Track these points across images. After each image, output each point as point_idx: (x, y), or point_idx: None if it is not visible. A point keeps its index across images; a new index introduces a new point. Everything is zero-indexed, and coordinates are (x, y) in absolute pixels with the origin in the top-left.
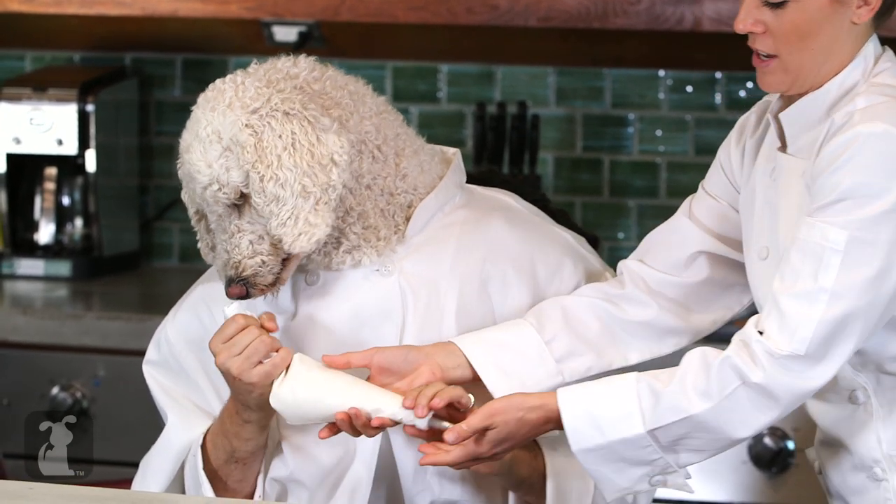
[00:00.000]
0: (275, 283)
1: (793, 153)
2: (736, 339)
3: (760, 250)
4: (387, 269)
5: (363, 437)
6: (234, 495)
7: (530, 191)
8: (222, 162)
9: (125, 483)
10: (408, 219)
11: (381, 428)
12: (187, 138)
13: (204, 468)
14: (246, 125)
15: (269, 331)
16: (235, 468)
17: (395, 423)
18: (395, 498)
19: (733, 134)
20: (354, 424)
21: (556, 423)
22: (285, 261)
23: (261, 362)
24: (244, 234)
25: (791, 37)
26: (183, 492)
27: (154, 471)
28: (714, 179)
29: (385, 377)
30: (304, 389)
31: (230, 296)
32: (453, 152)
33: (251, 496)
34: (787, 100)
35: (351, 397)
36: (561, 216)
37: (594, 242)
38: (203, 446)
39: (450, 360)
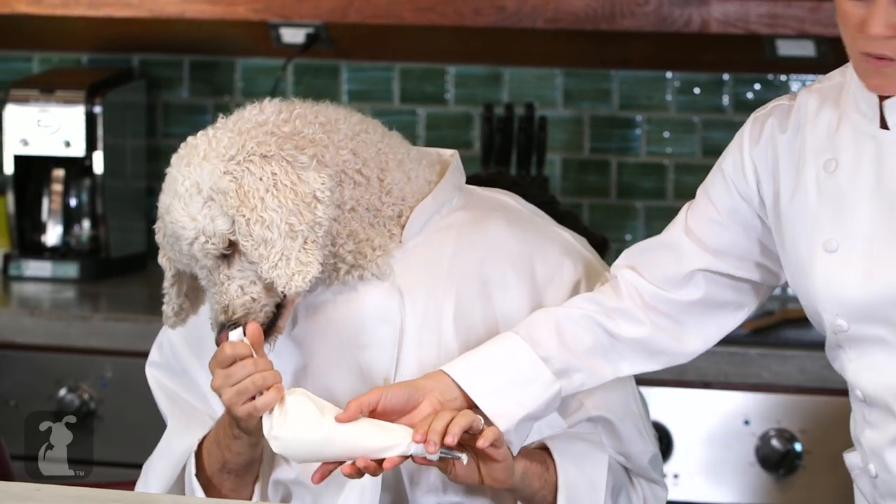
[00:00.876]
0: (271, 329)
1: None
2: None
3: (827, 243)
4: (383, 272)
5: None
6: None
7: (539, 193)
8: (206, 212)
9: (132, 485)
10: (402, 225)
11: (393, 466)
12: (165, 200)
13: (198, 475)
14: (225, 172)
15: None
16: (228, 478)
17: (407, 458)
18: (400, 500)
19: (745, 143)
20: (364, 472)
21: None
22: (279, 307)
23: (252, 397)
24: (233, 281)
25: None
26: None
27: (155, 476)
28: (718, 190)
29: (388, 417)
30: (307, 433)
31: (220, 344)
32: (451, 154)
33: (250, 494)
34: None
35: (359, 439)
36: (570, 218)
37: (603, 245)
38: (199, 453)
39: (447, 392)
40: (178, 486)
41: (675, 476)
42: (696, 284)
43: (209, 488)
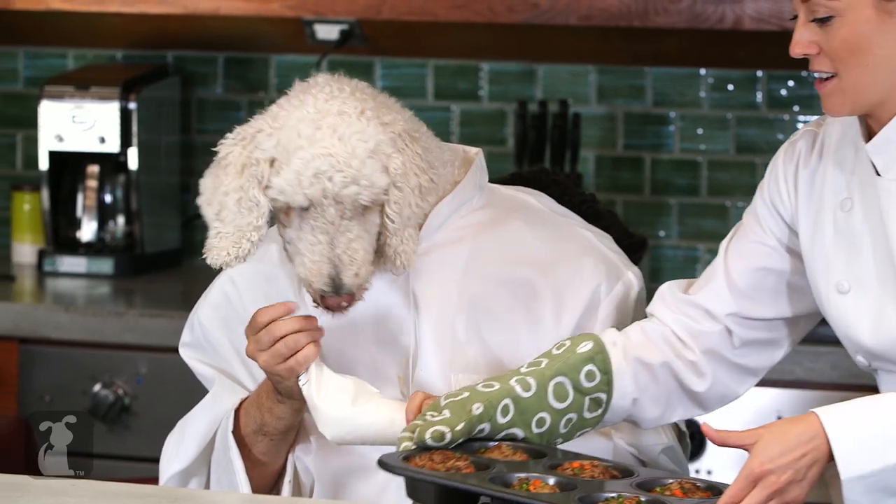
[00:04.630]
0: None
1: (895, 178)
2: None
3: (839, 284)
4: (399, 270)
5: None
6: (258, 466)
7: (578, 191)
8: (371, 163)
9: None
10: (421, 225)
11: None
12: (305, 130)
13: (234, 433)
14: (391, 138)
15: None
16: (262, 441)
17: None
18: None
19: (779, 168)
20: None
21: (821, 449)
22: None
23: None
24: (361, 241)
25: (843, 53)
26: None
27: (193, 431)
28: (762, 213)
29: None
30: (335, 409)
31: (337, 307)
32: (475, 152)
33: (279, 473)
34: (867, 125)
35: (380, 427)
36: (608, 217)
37: (642, 245)
38: (237, 413)
39: None
40: (211, 446)
41: (709, 472)
42: (732, 327)
43: (242, 448)
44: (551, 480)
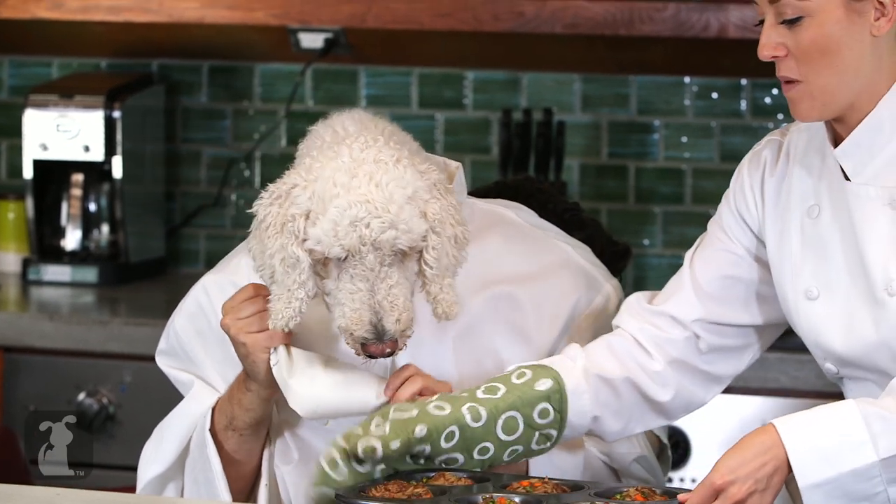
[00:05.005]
0: None
1: (865, 182)
2: None
3: (808, 290)
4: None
5: None
6: (231, 465)
7: (562, 199)
8: (409, 208)
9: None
10: None
11: None
12: (340, 179)
13: (210, 430)
14: (429, 186)
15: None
16: (232, 436)
17: None
18: None
19: (745, 177)
20: None
21: (780, 458)
22: None
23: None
24: (402, 287)
25: (812, 55)
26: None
27: (171, 433)
28: (728, 222)
29: None
30: (307, 386)
31: (380, 354)
32: (456, 166)
33: (254, 475)
34: (834, 131)
35: (341, 395)
36: (592, 226)
37: (626, 254)
38: (213, 410)
39: None
40: (189, 448)
41: (693, 480)
42: (700, 333)
43: (217, 445)
44: (517, 498)
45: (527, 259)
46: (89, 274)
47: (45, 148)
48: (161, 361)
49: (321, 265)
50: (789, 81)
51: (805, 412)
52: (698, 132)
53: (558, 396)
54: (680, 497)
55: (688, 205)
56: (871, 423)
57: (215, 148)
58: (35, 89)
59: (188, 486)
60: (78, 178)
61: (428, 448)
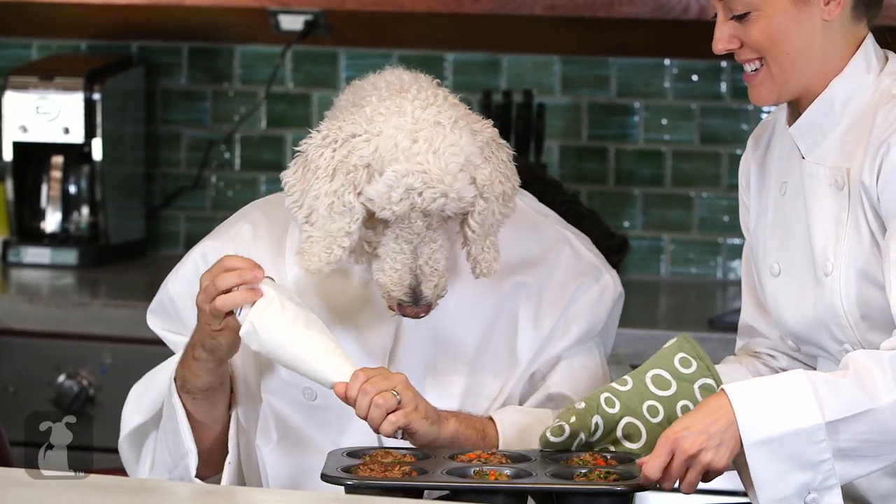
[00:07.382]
0: None
1: (816, 161)
2: None
3: (771, 266)
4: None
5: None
6: (195, 424)
7: (561, 190)
8: (462, 175)
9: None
10: None
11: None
12: (402, 142)
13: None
14: (480, 148)
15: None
16: (186, 398)
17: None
18: None
19: (742, 161)
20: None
21: (730, 415)
22: None
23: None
24: (443, 251)
25: (764, 45)
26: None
27: (158, 385)
28: (741, 211)
29: None
30: (271, 331)
31: (414, 316)
32: None
33: (221, 440)
34: (793, 111)
35: (307, 356)
36: (590, 217)
37: (624, 246)
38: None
39: None
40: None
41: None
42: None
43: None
44: (507, 470)
45: (532, 245)
46: (69, 256)
47: (24, 130)
48: (153, 322)
49: (367, 217)
50: (750, 70)
51: (756, 378)
52: (678, 114)
53: (690, 345)
54: (638, 462)
55: (668, 187)
56: (818, 387)
57: (195, 130)
58: (14, 71)
59: (160, 434)
60: (58, 160)
61: (599, 420)
